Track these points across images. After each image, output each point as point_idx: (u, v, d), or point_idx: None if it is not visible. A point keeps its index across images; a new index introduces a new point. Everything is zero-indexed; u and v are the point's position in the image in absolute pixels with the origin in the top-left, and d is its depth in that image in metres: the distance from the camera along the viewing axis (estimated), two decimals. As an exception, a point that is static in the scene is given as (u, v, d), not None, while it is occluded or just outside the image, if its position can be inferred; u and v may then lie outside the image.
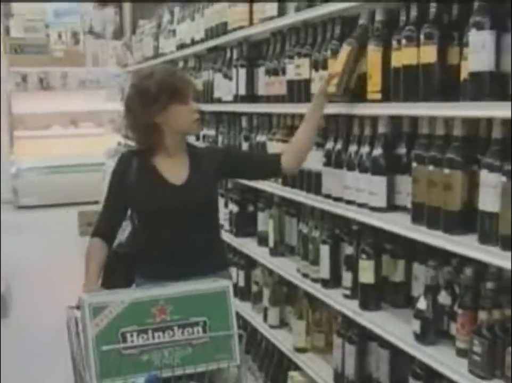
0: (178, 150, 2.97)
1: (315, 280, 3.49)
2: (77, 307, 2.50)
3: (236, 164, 3.16)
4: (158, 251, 2.95)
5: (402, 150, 2.88)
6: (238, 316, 3.83)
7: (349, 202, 3.10)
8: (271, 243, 4.08)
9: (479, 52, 2.22)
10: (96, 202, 10.01)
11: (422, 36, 2.49)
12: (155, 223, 2.91)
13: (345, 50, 2.96)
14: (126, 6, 11.77)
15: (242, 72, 4.25)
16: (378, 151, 2.89)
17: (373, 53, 2.82)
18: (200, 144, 4.99)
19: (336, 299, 3.27)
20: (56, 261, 8.25)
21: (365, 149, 2.98)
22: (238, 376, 2.53)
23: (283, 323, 4.07)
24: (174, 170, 2.95)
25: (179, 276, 2.69)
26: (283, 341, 3.90)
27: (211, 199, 3.05)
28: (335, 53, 3.09)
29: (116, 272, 2.96)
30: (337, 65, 2.99)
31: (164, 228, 2.90)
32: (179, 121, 2.90)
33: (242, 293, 4.51)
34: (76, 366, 2.59)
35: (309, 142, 3.18)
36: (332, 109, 3.16)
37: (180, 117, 2.89)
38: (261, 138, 4.12)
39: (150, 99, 2.85)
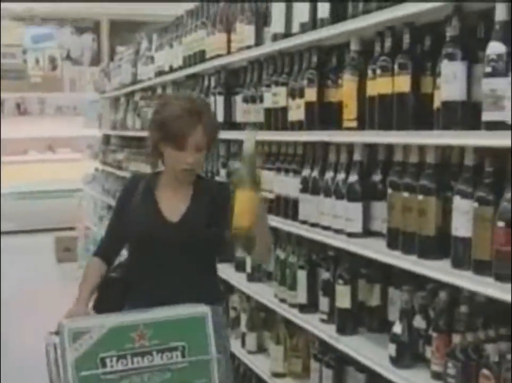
0: (179, 182, 2.87)
1: (292, 305, 3.51)
2: (57, 333, 2.51)
3: (221, 211, 2.79)
4: (148, 284, 2.86)
5: (377, 177, 2.93)
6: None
7: (325, 228, 3.14)
8: (249, 269, 4.11)
9: (451, 82, 2.29)
10: (72, 229, 10.00)
11: (396, 67, 2.56)
12: (145, 255, 2.86)
13: None
14: (104, 33, 11.85)
15: (220, 99, 4.30)
16: (353, 178, 2.94)
17: (349, 82, 2.88)
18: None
19: (313, 323, 3.29)
20: (34, 288, 8.18)
21: (341, 176, 3.03)
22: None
23: (261, 349, 4.08)
24: (174, 203, 2.87)
25: None
26: (261, 366, 3.91)
27: (206, 235, 2.85)
28: (312, 82, 3.16)
29: (108, 296, 2.91)
30: None
31: (155, 262, 2.83)
32: (168, 162, 2.83)
33: (220, 318, 4.51)
34: (55, 392, 2.58)
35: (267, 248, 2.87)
36: (309, 136, 3.21)
37: (170, 160, 2.80)
38: (238, 164, 4.15)
39: (154, 127, 2.84)
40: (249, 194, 2.47)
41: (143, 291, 2.86)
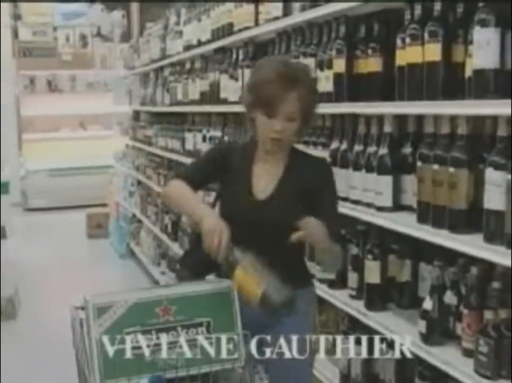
0: (271, 154, 2.68)
1: (321, 281, 3.47)
2: (82, 308, 2.49)
3: (315, 204, 2.61)
4: None
5: (408, 149, 2.86)
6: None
7: (355, 202, 3.09)
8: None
9: (483, 49, 2.21)
10: (104, 205, 10.05)
11: (426, 35, 2.48)
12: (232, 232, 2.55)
13: None
14: (134, 9, 11.78)
15: (248, 72, 4.24)
16: (383, 150, 2.88)
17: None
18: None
19: (342, 299, 3.25)
20: (64, 264, 8.25)
21: (371, 149, 2.97)
22: (242, 377, 2.51)
23: (290, 324, 4.04)
24: (265, 177, 2.68)
25: None
26: (290, 342, 3.87)
27: (294, 218, 2.46)
28: (340, 52, 3.09)
29: (197, 253, 2.67)
30: None
31: (241, 239, 2.50)
32: (258, 130, 2.63)
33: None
34: (80, 366, 2.57)
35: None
36: (337, 109, 3.15)
37: (260, 127, 2.61)
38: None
39: (246, 91, 2.71)
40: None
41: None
